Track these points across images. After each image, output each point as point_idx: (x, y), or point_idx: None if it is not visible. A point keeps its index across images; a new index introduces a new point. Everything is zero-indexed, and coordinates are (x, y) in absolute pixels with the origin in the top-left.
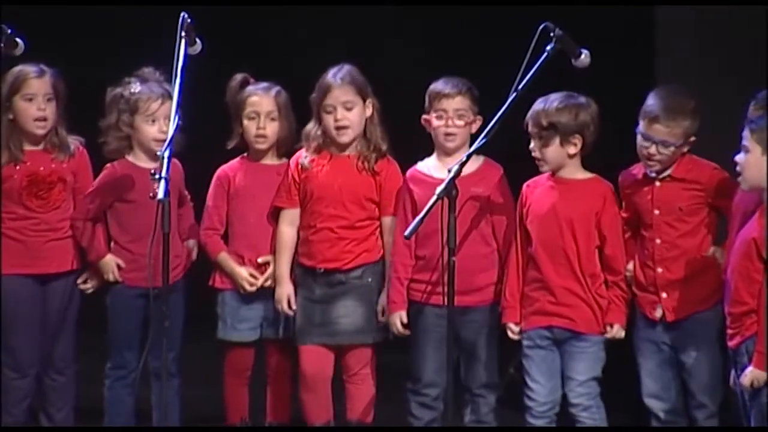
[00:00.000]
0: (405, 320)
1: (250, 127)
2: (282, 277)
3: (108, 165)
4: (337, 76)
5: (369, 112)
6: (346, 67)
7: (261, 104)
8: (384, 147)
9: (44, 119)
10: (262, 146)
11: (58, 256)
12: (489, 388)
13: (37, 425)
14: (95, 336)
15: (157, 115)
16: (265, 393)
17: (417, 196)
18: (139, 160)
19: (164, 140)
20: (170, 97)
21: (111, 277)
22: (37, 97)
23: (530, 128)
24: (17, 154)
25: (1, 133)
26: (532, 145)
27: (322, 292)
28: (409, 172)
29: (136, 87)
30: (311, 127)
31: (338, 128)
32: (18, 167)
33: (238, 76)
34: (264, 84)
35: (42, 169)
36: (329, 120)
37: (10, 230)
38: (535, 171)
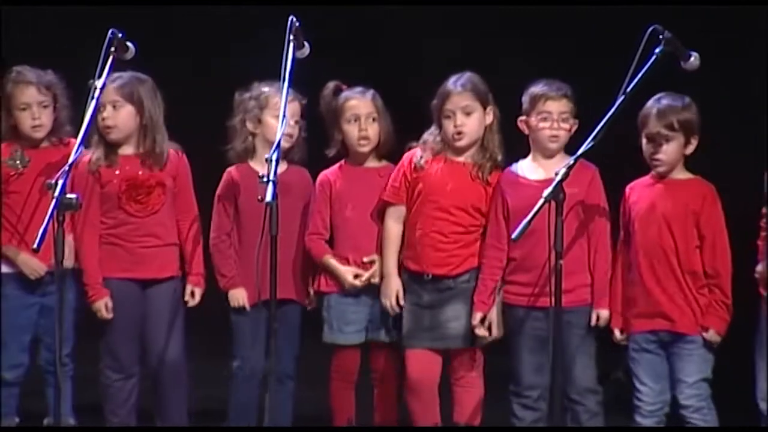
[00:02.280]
0: (484, 321)
1: (351, 130)
2: (390, 273)
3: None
4: (457, 82)
5: (489, 119)
6: (468, 74)
7: (360, 107)
8: (500, 157)
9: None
10: (365, 148)
11: (158, 261)
12: (587, 393)
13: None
14: (219, 337)
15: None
16: (372, 395)
17: (510, 198)
18: (257, 165)
19: (290, 136)
20: (296, 100)
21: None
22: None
23: (652, 129)
24: (113, 158)
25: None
26: (646, 146)
27: (430, 298)
28: (502, 174)
29: (265, 87)
30: (431, 132)
31: (456, 133)
32: (117, 172)
33: (331, 84)
34: (359, 88)
35: (140, 173)
36: (448, 125)
37: (111, 235)
38: (628, 172)
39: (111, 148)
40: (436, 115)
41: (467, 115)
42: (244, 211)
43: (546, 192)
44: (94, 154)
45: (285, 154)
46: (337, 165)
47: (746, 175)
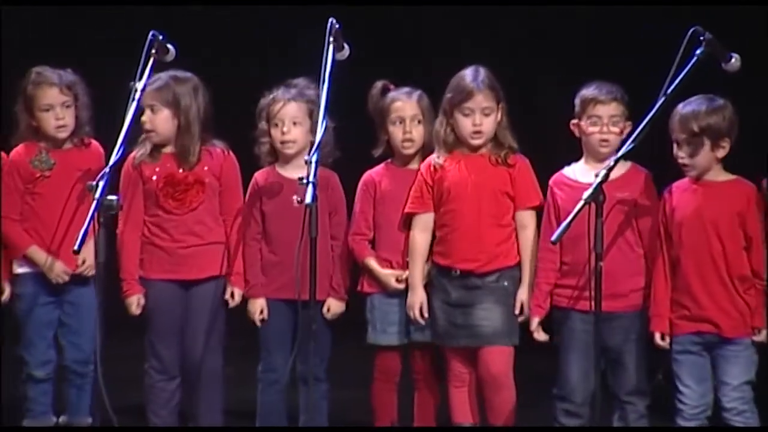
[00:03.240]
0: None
1: (396, 132)
2: (415, 284)
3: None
4: (477, 80)
5: (499, 116)
6: (483, 71)
7: (405, 109)
8: (515, 146)
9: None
10: (410, 150)
11: (199, 261)
12: (637, 395)
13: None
14: (248, 339)
15: (279, 118)
16: (413, 396)
17: (561, 201)
18: (282, 169)
19: (292, 142)
20: (300, 100)
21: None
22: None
23: (677, 134)
24: (156, 156)
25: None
26: (676, 150)
27: (458, 295)
28: (554, 177)
29: (276, 92)
30: (441, 126)
31: (474, 132)
32: (157, 169)
33: (379, 84)
34: (406, 89)
35: (179, 171)
36: (467, 123)
37: (153, 234)
38: (677, 175)
39: (149, 145)
40: (449, 109)
41: (486, 115)
42: (269, 215)
43: (586, 194)
44: (139, 150)
45: (290, 158)
46: (382, 165)
47: None
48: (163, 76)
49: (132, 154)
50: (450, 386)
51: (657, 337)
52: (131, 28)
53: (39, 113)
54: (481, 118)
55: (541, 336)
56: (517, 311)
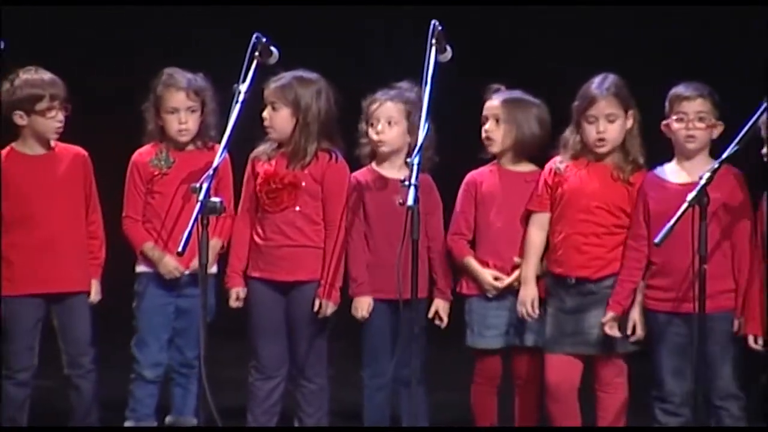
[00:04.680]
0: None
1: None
2: (528, 280)
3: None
4: (602, 86)
5: (629, 124)
6: (611, 77)
7: (488, 109)
8: (641, 160)
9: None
10: (490, 149)
11: (290, 263)
12: (731, 400)
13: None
14: (350, 340)
15: (374, 118)
16: (513, 399)
17: (652, 201)
18: (381, 168)
19: (380, 142)
20: (397, 100)
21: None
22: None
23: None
24: (270, 153)
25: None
26: (765, 151)
27: (573, 303)
28: (646, 177)
29: (378, 94)
30: (569, 133)
31: (598, 140)
32: (265, 167)
33: (492, 86)
34: (503, 91)
35: (281, 171)
36: (591, 130)
37: (254, 232)
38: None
39: (274, 143)
40: (576, 117)
41: (611, 122)
42: (369, 214)
43: (690, 196)
44: (261, 146)
45: (386, 157)
46: (487, 166)
47: None
48: (288, 75)
49: (255, 149)
50: (546, 393)
51: (750, 339)
52: (235, 28)
53: (165, 115)
54: (605, 125)
55: (614, 332)
56: (629, 328)
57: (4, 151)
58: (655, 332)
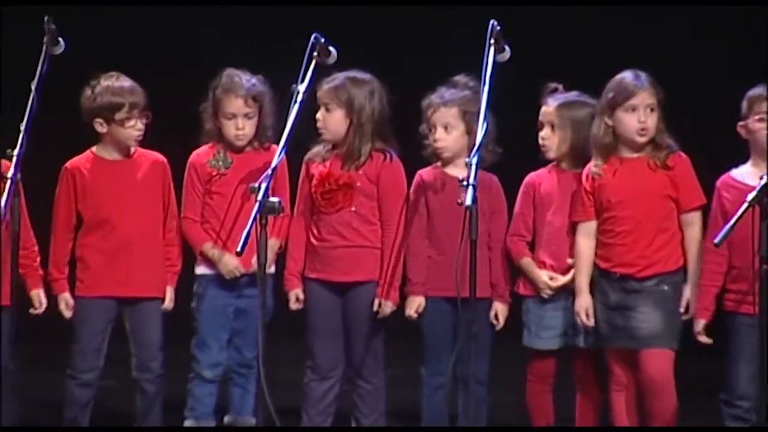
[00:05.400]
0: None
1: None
2: (581, 289)
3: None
4: (640, 78)
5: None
6: (642, 72)
7: (544, 114)
8: (672, 143)
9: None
10: (549, 155)
11: (346, 264)
12: None
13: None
14: (407, 340)
15: (445, 121)
16: (573, 399)
17: (728, 203)
18: (445, 167)
19: (442, 148)
20: (451, 105)
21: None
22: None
23: None
24: (325, 155)
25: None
26: None
27: (617, 298)
28: (721, 179)
29: (434, 95)
30: (597, 130)
31: (641, 129)
32: (320, 168)
33: (550, 86)
34: (559, 92)
35: (336, 171)
36: (632, 120)
37: (310, 233)
38: None
39: (327, 145)
40: (609, 110)
41: (651, 111)
42: (433, 213)
43: (750, 196)
44: (314, 148)
45: (449, 160)
46: (546, 168)
47: None
48: (341, 76)
49: (309, 151)
50: (610, 390)
51: None
52: (296, 29)
53: (222, 119)
54: (645, 114)
55: (705, 339)
56: (682, 309)
57: (85, 154)
58: (733, 336)
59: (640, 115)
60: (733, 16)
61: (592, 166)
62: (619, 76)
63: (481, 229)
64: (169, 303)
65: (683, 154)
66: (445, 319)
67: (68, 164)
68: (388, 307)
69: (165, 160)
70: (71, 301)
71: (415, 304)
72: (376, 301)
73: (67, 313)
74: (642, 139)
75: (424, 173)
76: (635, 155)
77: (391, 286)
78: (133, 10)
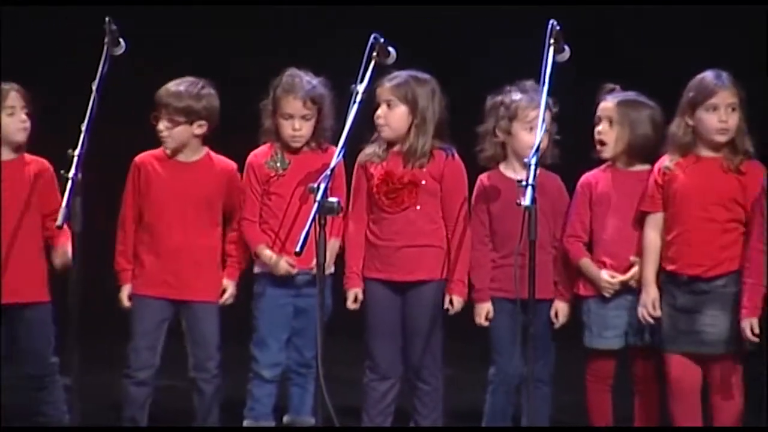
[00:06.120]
0: (756, 329)
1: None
2: (648, 282)
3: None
4: (721, 78)
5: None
6: (724, 72)
7: (601, 110)
8: (751, 149)
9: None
10: (601, 154)
11: (409, 263)
12: None
13: (405, 426)
14: (467, 341)
15: (534, 124)
16: (632, 400)
17: None
18: (508, 170)
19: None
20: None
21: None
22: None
23: None
24: (382, 154)
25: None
26: None
27: (684, 300)
28: None
29: (516, 95)
30: (676, 128)
31: (721, 129)
32: (380, 167)
33: (607, 86)
34: (617, 92)
35: (399, 170)
36: (712, 119)
37: (371, 232)
38: None
39: (383, 144)
40: (689, 109)
41: (732, 111)
42: (497, 217)
43: None
44: (369, 148)
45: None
46: (601, 167)
47: None
48: (403, 74)
49: (362, 152)
50: (669, 392)
51: None
52: (358, 29)
53: (280, 118)
54: (726, 114)
55: (752, 338)
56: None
57: (156, 151)
58: None
59: (720, 115)
60: None
61: (667, 160)
62: (700, 75)
63: (546, 230)
64: (229, 297)
65: (759, 163)
66: (510, 320)
67: (138, 158)
68: (460, 303)
69: (234, 167)
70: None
71: (483, 311)
72: (447, 298)
73: (127, 303)
74: (722, 138)
75: (485, 177)
76: (712, 155)
77: (461, 281)
78: (197, 10)
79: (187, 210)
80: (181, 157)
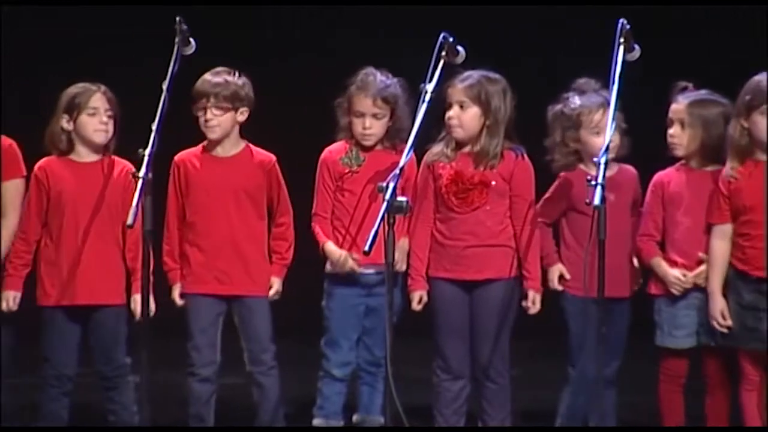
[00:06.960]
0: None
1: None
2: (714, 292)
3: (560, 174)
4: None
5: None
6: None
7: (673, 111)
8: None
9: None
10: (674, 152)
11: (478, 262)
12: None
13: (474, 426)
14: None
15: (601, 126)
16: (704, 399)
17: None
18: (590, 169)
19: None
20: (609, 104)
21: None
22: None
23: None
24: (450, 154)
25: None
26: None
27: (751, 298)
28: None
29: (575, 101)
30: (733, 131)
31: None
32: (449, 167)
33: (680, 84)
34: (689, 90)
35: (468, 170)
36: (763, 121)
37: (439, 232)
38: None
39: (452, 144)
40: (746, 112)
41: None
42: (569, 214)
43: None
44: (436, 147)
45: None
46: (674, 166)
47: None
48: (475, 74)
49: (429, 152)
50: (741, 389)
51: None
52: (426, 28)
53: (352, 116)
54: None
55: None
56: None
57: (196, 148)
58: None
59: None
60: None
61: (728, 169)
62: (756, 78)
63: (627, 224)
64: (274, 294)
65: None
66: (585, 318)
67: (177, 157)
68: (539, 299)
69: (273, 159)
70: None
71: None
72: (530, 295)
73: (180, 302)
74: None
75: (568, 174)
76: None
77: (538, 279)
78: (270, 9)
79: (229, 204)
80: (219, 152)
